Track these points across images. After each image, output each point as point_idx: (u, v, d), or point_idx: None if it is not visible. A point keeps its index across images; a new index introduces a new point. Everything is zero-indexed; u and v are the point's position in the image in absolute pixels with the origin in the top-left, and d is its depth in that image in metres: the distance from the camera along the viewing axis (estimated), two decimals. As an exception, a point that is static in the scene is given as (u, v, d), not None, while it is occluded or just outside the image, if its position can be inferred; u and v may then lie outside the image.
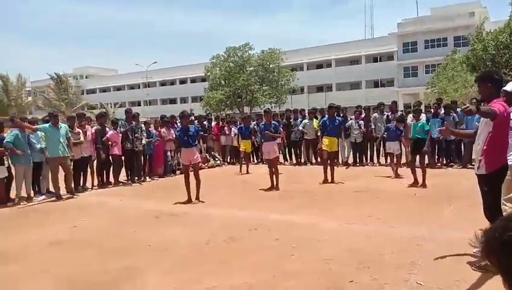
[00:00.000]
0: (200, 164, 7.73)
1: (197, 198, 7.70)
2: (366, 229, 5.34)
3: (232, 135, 14.07)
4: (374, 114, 12.32)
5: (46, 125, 8.77)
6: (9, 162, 8.25)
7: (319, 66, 50.23)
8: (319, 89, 49.67)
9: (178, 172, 11.92)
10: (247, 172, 11.56)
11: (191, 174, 7.80)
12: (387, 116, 11.79)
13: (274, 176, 8.77)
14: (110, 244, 5.19)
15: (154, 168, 11.35)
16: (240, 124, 13.38)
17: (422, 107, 12.55)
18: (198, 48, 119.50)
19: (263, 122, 9.76)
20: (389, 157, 10.42)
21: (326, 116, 10.07)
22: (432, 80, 31.11)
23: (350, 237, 5.03)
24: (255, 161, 14.12)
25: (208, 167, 13.15)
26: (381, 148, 12.10)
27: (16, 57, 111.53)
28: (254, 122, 14.05)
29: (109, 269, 4.27)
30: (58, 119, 8.96)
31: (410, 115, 11.45)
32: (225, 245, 4.96)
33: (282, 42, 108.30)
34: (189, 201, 7.59)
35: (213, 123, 14.77)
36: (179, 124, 12.78)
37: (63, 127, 8.93)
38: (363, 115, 12.46)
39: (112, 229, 5.96)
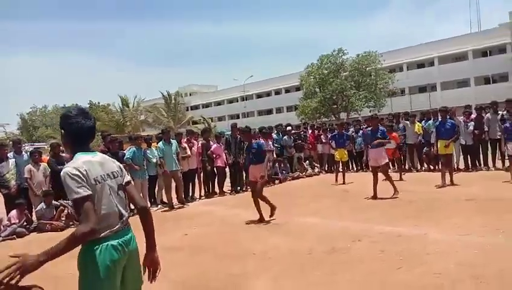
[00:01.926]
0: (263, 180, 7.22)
1: (270, 215, 7.21)
2: (482, 241, 4.91)
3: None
4: (487, 115, 11.22)
5: (160, 143, 9.70)
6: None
7: (420, 65, 47.19)
8: (422, 89, 46.59)
9: (277, 181, 12.21)
10: (344, 182, 11.22)
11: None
12: (502, 115, 10.68)
13: (388, 181, 8.51)
14: (218, 251, 5.53)
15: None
16: (334, 131, 13.07)
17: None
18: (293, 57, 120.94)
19: (369, 129, 9.48)
20: (507, 161, 9.42)
21: (437, 119, 9.56)
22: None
23: (463, 250, 4.67)
24: (354, 168, 13.81)
25: (306, 176, 13.22)
26: (497, 151, 11.02)
27: (125, 80, 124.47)
28: (352, 129, 13.80)
29: (219, 275, 4.57)
30: (170, 135, 9.86)
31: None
32: (327, 256, 4.96)
33: (379, 44, 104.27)
34: (261, 220, 7.17)
35: (309, 132, 14.83)
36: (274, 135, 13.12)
37: (173, 143, 9.79)
38: (473, 116, 11.45)
39: (219, 237, 6.33)
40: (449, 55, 44.14)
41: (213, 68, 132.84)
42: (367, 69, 37.52)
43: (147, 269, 2.45)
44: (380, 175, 8.62)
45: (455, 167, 11.42)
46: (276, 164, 12.64)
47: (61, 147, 9.81)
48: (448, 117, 9.88)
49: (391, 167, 11.30)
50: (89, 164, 2.22)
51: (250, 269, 4.64)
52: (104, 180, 2.25)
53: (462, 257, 4.44)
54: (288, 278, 4.33)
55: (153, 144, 10.36)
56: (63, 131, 2.35)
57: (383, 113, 30.12)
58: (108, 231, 2.20)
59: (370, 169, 9.36)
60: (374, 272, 4.25)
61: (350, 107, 37.94)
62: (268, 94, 62.10)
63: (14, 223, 7.73)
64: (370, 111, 36.52)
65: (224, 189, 11.11)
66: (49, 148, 10.45)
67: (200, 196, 10.76)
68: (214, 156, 10.71)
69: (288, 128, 13.99)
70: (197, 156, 10.66)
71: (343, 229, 6.13)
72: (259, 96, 63.03)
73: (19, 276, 1.87)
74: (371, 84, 37.45)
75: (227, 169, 11.25)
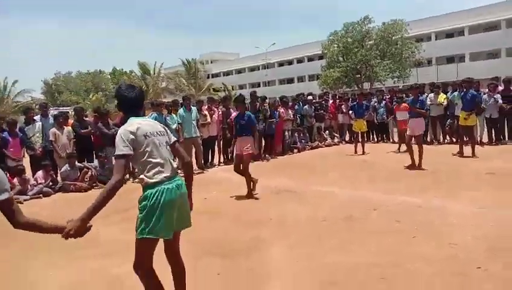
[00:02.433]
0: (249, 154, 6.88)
1: (249, 194, 6.80)
2: (499, 215, 4.87)
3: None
4: (516, 86, 10.83)
5: (181, 109, 9.78)
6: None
7: (449, 35, 45.36)
8: (450, 60, 44.96)
9: (296, 150, 12.23)
10: (363, 152, 11.11)
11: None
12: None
13: (419, 153, 8.42)
14: (236, 216, 5.66)
15: (274, 147, 11.79)
16: (354, 101, 12.80)
17: None
18: (317, 25, 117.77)
19: (411, 98, 9.31)
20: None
21: (462, 90, 9.38)
22: None
23: (480, 222, 4.65)
24: (375, 139, 13.67)
25: (325, 146, 13.18)
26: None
27: (151, 47, 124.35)
28: (374, 100, 13.55)
29: (236, 239, 4.70)
30: (190, 102, 9.93)
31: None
32: (343, 224, 5.02)
33: (406, 12, 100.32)
34: (249, 196, 6.78)
35: (330, 101, 14.65)
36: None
37: (194, 109, 9.86)
38: (500, 88, 11.05)
39: (237, 203, 6.47)
40: (480, 24, 42.22)
41: (235, 36, 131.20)
42: (393, 38, 36.32)
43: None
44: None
45: (478, 140, 11.19)
46: (296, 134, 12.62)
47: (85, 112, 10.06)
48: (472, 89, 9.60)
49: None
50: (139, 124, 2.67)
51: (267, 236, 4.74)
52: (153, 135, 2.69)
53: (479, 229, 4.43)
54: (303, 243, 4.43)
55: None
56: (117, 101, 2.84)
57: (407, 84, 29.42)
58: (163, 176, 2.62)
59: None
60: (389, 241, 4.29)
61: (374, 77, 37.08)
62: (290, 63, 61.12)
63: (40, 183, 8.06)
64: (394, 82, 35.63)
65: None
66: (73, 113, 10.67)
67: (219, 162, 10.90)
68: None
69: (309, 97, 13.83)
70: (217, 124, 10.73)
71: (361, 198, 6.16)
72: (281, 64, 62.11)
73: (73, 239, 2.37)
74: (396, 54, 36.32)
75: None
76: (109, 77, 63.44)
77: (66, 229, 2.33)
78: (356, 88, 37.08)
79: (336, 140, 13.83)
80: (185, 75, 48.70)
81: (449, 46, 44.18)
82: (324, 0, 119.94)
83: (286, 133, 12.18)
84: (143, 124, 2.71)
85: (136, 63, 46.18)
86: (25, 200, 7.50)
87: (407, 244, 4.18)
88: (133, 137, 2.59)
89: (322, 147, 13.08)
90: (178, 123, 9.57)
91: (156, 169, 2.62)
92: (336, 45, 37.87)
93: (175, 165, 2.80)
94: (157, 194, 2.56)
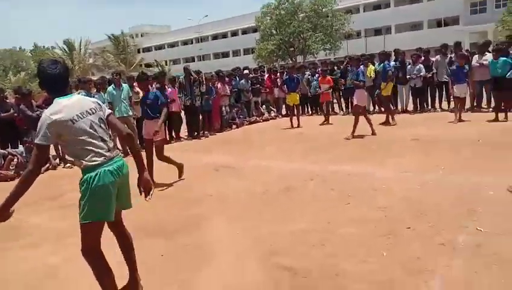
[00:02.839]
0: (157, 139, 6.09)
1: (178, 176, 6.43)
2: (423, 178, 5.30)
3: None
4: (436, 57, 11.62)
5: (110, 87, 9.29)
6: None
7: (377, 6, 47.24)
8: (377, 32, 47.00)
9: (234, 126, 12.25)
10: (298, 125, 11.36)
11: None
12: (450, 58, 11.10)
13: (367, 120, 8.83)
14: (178, 195, 5.62)
15: (212, 124, 11.71)
16: (287, 75, 12.93)
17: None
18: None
19: (353, 70, 9.78)
20: (453, 102, 10.04)
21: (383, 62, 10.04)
22: (504, 16, 28.23)
23: (406, 186, 5.03)
24: (310, 112, 14.06)
25: (263, 120, 13.35)
26: (444, 93, 11.60)
27: (74, 21, 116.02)
28: (308, 72, 13.84)
29: (179, 216, 4.69)
30: (120, 79, 9.44)
31: (476, 56, 10.74)
32: (281, 195, 5.19)
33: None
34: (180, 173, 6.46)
35: (265, 76, 14.75)
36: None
37: (125, 87, 9.40)
38: (422, 58, 11.80)
39: (178, 182, 6.38)
40: (405, -4, 44.32)
41: (165, 7, 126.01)
42: (323, 10, 37.10)
43: (143, 190, 2.84)
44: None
45: (404, 108, 11.99)
46: (234, 110, 12.61)
47: (4, 93, 9.19)
48: (387, 61, 10.62)
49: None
50: (64, 107, 2.51)
51: (208, 212, 4.77)
52: (83, 116, 2.55)
53: (405, 192, 4.80)
54: (243, 216, 4.52)
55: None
56: (38, 79, 2.63)
57: (339, 56, 30.38)
58: (102, 158, 2.55)
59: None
60: (324, 208, 4.52)
61: (307, 50, 37.83)
62: (224, 36, 60.29)
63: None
64: (326, 54, 36.60)
65: (181, 134, 11.03)
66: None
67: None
68: (169, 100, 10.45)
69: (246, 71, 13.80)
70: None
71: (297, 170, 6.37)
72: (215, 37, 61.09)
73: None
74: (327, 26, 37.24)
75: (182, 114, 11.12)
76: (30, 54, 58.61)
77: None
78: (290, 61, 37.63)
79: (272, 114, 14.03)
80: (113, 50, 46.25)
81: (376, 18, 46.05)
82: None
83: (223, 108, 12.12)
84: (69, 105, 2.53)
85: (60, 39, 43.02)
86: None
87: (341, 210, 4.44)
88: (57, 124, 2.45)
89: (259, 121, 13.23)
90: (107, 102, 8.98)
91: (93, 152, 2.53)
92: (268, 17, 37.93)
93: (112, 145, 2.70)
94: (97, 177, 2.49)
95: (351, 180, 5.54)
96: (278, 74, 14.73)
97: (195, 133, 11.09)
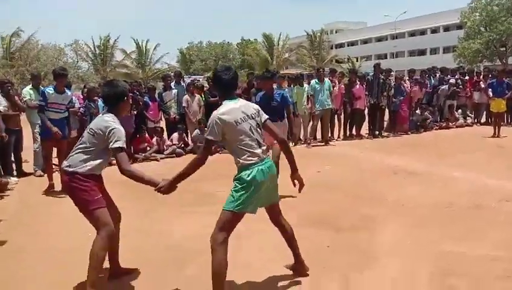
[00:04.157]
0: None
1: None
2: None
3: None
4: None
5: (313, 81, 9.88)
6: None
7: None
8: None
9: (422, 130, 11.41)
10: (498, 136, 9.99)
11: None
12: None
13: None
14: (349, 192, 5.59)
15: (399, 124, 11.16)
16: (494, 78, 11.30)
17: None
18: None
19: None
20: None
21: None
22: None
23: None
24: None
25: (456, 127, 12.01)
26: None
27: (276, 18, 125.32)
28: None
29: (348, 214, 4.68)
30: (323, 74, 10.00)
31: None
32: (469, 212, 4.63)
33: None
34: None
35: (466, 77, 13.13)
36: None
37: (327, 81, 9.89)
38: None
39: (352, 179, 6.37)
40: None
41: (363, 3, 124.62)
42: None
43: (297, 183, 3.14)
44: None
45: None
46: (426, 112, 11.72)
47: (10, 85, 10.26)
48: None
49: None
50: (232, 110, 2.83)
51: (381, 214, 4.62)
52: (244, 120, 2.83)
53: None
54: (420, 226, 4.22)
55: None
56: (213, 82, 3.02)
57: None
58: (256, 158, 2.81)
59: None
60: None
61: (523, 51, 32.01)
62: (422, 32, 55.99)
63: (174, 144, 9.00)
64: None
65: (362, 132, 10.89)
66: (207, 81, 11.51)
67: (339, 137, 10.77)
68: (355, 97, 10.44)
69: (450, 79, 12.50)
70: (338, 97, 10.50)
71: (492, 187, 5.57)
72: (412, 34, 57.32)
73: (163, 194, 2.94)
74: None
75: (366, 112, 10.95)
76: (236, 47, 66.10)
77: (159, 185, 2.90)
78: (498, 63, 32.52)
79: (469, 120, 12.48)
80: (308, 46, 48.38)
81: None
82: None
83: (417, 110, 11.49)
84: (235, 109, 2.84)
85: (261, 34, 47.47)
86: (161, 158, 8.53)
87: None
88: (222, 125, 2.77)
89: (452, 127, 11.95)
90: (310, 94, 9.71)
91: (249, 152, 2.80)
92: (478, 14, 33.45)
93: (265, 147, 2.94)
94: (251, 174, 2.76)
95: None
96: (482, 76, 12.94)
97: (377, 132, 10.80)
